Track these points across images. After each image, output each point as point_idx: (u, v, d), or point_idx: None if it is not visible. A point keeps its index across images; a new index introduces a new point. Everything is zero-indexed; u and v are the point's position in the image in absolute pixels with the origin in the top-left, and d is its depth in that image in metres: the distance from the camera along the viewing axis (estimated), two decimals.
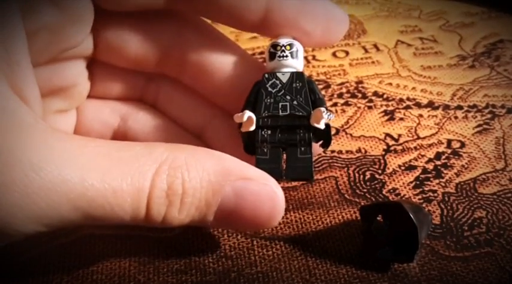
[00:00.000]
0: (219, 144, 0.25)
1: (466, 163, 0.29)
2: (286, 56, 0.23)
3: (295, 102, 0.23)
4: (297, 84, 0.23)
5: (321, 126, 0.22)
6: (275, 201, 0.21)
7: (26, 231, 0.18)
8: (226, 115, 0.25)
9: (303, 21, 0.23)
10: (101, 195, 0.18)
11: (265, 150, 0.23)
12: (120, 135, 0.26)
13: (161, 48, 0.24)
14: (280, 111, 0.23)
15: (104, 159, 0.19)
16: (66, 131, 0.25)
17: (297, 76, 0.23)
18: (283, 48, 0.23)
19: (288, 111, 0.23)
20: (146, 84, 0.26)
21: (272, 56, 0.23)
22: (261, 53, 0.40)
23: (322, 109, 0.22)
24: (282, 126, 0.23)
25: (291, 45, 0.23)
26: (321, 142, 0.23)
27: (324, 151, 0.30)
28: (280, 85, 0.23)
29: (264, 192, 0.21)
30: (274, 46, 0.23)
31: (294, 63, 0.23)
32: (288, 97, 0.23)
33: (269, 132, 0.23)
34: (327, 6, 0.23)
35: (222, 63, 0.24)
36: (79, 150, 0.18)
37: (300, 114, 0.23)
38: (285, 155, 0.23)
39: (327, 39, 0.24)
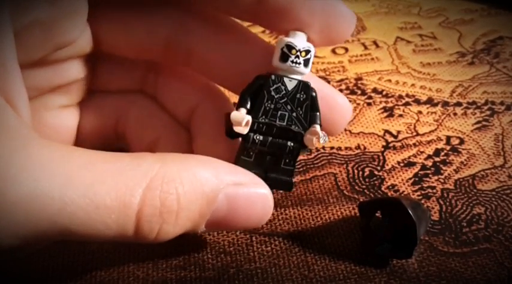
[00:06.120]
0: (204, 130, 0.25)
1: (465, 160, 0.29)
2: (299, 63, 0.22)
3: (294, 114, 0.22)
4: (301, 96, 0.22)
5: (312, 147, 0.22)
6: (265, 203, 0.21)
7: (1, 243, 0.17)
8: (212, 99, 0.25)
9: (298, 10, 0.21)
10: (82, 211, 0.17)
11: (251, 153, 0.22)
12: (120, 128, 0.26)
13: (165, 35, 0.23)
14: (277, 119, 0.22)
15: (88, 171, 0.18)
16: (70, 127, 0.25)
17: (303, 86, 0.22)
18: (298, 53, 0.22)
19: (285, 122, 0.22)
20: (145, 75, 0.26)
21: (284, 57, 0.22)
22: None
23: (319, 132, 0.22)
24: (275, 135, 0.22)
25: (307, 51, 0.22)
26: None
27: (323, 147, 0.30)
28: (284, 92, 0.22)
29: (255, 195, 0.21)
30: (290, 48, 0.21)
31: (303, 71, 0.22)
32: (289, 107, 0.22)
33: (261, 137, 0.22)
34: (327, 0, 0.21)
35: (230, 49, 0.23)
36: (61, 160, 0.17)
37: (296, 129, 0.22)
38: (268, 158, 0.23)
39: (327, 36, 0.22)
